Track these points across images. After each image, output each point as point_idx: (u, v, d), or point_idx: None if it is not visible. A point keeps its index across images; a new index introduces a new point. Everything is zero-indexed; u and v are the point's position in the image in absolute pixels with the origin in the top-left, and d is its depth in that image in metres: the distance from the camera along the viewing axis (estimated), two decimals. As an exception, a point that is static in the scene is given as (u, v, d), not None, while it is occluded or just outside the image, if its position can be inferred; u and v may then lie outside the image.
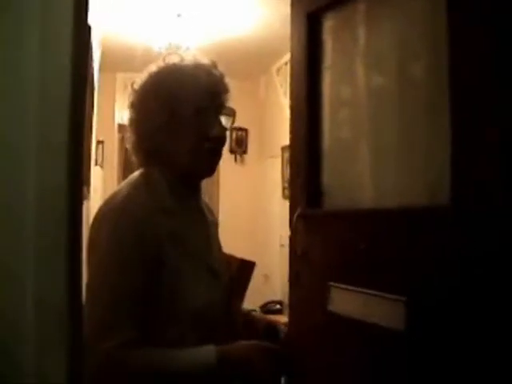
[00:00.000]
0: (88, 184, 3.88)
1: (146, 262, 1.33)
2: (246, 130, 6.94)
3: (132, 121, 1.44)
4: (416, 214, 1.80)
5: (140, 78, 1.45)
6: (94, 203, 4.31)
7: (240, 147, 6.95)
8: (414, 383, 1.72)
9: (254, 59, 6.17)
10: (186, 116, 1.39)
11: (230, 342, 1.42)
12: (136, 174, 1.46)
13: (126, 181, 1.45)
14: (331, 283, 2.06)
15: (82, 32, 0.90)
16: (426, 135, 1.86)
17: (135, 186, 1.40)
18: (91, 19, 1.25)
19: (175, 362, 1.35)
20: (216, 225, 1.72)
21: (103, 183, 5.77)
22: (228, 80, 1.49)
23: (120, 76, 6.73)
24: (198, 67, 1.44)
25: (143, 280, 1.33)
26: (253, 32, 5.26)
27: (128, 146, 1.47)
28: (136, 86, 1.44)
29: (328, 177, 2.32)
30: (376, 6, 2.10)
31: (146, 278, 1.33)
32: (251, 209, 6.72)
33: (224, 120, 1.47)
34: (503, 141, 1.51)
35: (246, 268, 1.64)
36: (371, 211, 2.03)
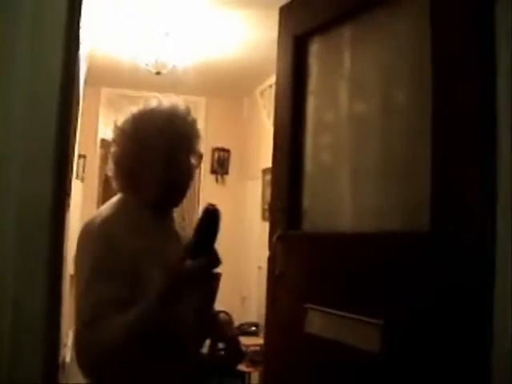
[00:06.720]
0: (69, 196, 3.85)
1: (122, 273, 1.46)
2: (228, 151, 6.93)
3: (113, 153, 1.62)
4: (395, 238, 1.82)
5: (123, 117, 1.61)
6: (73, 214, 4.27)
7: (222, 168, 6.93)
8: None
9: (239, 80, 6.20)
10: (155, 157, 1.58)
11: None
12: (115, 198, 1.65)
13: (106, 204, 1.64)
14: (308, 305, 2.06)
15: (73, 46, 0.90)
16: (407, 161, 1.88)
17: (113, 209, 1.59)
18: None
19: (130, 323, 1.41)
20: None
21: (83, 197, 5.72)
22: (199, 127, 1.67)
23: (105, 91, 6.70)
24: (173, 113, 1.62)
25: (117, 287, 1.43)
26: (239, 53, 5.29)
27: (109, 173, 1.66)
28: (118, 124, 1.61)
29: (309, 200, 2.33)
30: (361, 32, 2.14)
31: (121, 285, 1.44)
32: (230, 229, 6.68)
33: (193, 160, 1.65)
34: (483, 167, 1.53)
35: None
36: (351, 235, 2.04)
